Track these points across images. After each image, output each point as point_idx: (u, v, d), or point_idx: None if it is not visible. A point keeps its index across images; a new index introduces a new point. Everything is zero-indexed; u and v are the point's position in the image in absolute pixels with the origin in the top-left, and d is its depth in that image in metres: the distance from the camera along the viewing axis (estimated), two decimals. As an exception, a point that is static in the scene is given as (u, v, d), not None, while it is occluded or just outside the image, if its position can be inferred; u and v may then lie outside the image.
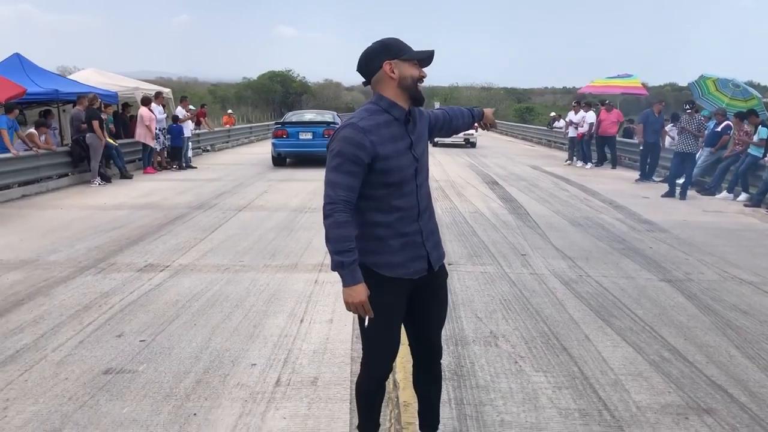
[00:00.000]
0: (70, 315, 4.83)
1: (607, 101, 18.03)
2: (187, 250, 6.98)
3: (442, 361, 2.91)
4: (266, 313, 4.92)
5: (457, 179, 13.89)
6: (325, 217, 2.46)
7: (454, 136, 20.06)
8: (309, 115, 18.02)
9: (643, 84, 21.60)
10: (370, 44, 2.55)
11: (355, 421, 2.93)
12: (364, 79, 2.56)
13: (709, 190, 12.20)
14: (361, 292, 2.43)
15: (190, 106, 17.44)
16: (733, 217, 9.76)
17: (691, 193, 11.83)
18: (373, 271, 2.51)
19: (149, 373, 3.81)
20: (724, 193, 11.83)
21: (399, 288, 2.57)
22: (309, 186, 12.31)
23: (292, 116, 18.10)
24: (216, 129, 24.44)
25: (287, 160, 16.72)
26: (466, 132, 25.24)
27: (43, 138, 12.12)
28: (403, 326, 2.73)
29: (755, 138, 11.47)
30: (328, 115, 17.90)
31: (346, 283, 2.43)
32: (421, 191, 2.58)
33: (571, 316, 4.90)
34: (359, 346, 4.16)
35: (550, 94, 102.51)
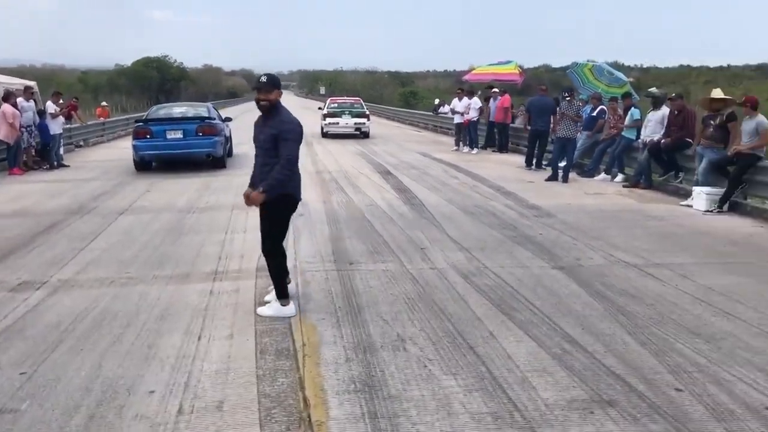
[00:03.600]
0: (-68, 349, 4.31)
1: (494, 87, 18.59)
2: (65, 262, 6.45)
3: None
4: (160, 331, 4.62)
5: (350, 169, 13.81)
6: (290, 167, 4.67)
7: (345, 125, 19.77)
8: (178, 110, 15.24)
9: (521, 69, 22.29)
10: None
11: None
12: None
13: (589, 172, 12.87)
14: None
15: (61, 101, 16.18)
16: (613, 198, 10.34)
17: (572, 175, 12.41)
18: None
19: (34, 411, 3.46)
20: (603, 175, 12.51)
21: None
22: (195, 183, 11.81)
23: (158, 111, 15.37)
24: (89, 122, 22.96)
25: (153, 164, 14.10)
26: (358, 121, 23.39)
27: None
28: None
29: (627, 120, 12.17)
30: (201, 109, 15.15)
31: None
32: None
33: (474, 312, 4.96)
34: (263, 362, 4.04)
35: (432, 78, 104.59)
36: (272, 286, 5.03)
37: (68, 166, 14.96)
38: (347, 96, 32.82)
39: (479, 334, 4.52)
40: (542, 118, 14.00)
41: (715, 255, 6.77)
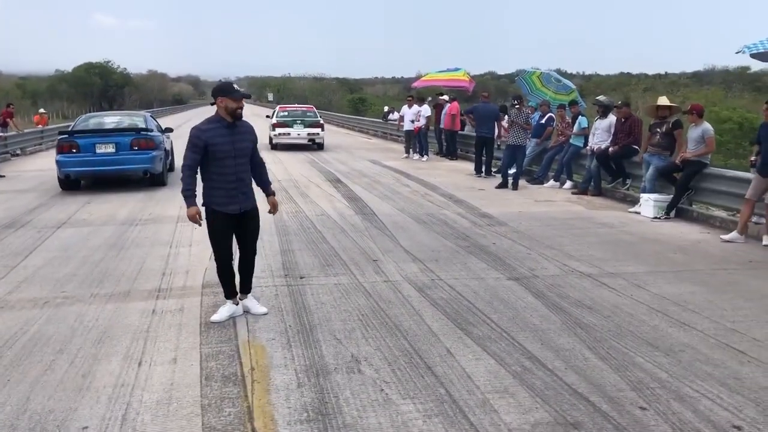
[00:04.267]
0: None
1: (443, 94, 18.60)
2: (-6, 282, 6.03)
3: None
4: (97, 357, 4.29)
5: (300, 178, 13.55)
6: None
7: (297, 136, 18.95)
8: (111, 120, 13.58)
9: (470, 76, 22.41)
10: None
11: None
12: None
13: (538, 179, 12.94)
14: None
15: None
16: (563, 206, 10.37)
17: (521, 182, 12.44)
18: None
19: (-52, 456, 3.12)
20: (552, 182, 12.59)
21: None
22: (137, 194, 11.34)
23: (87, 121, 13.60)
24: (26, 130, 22.04)
25: (82, 182, 12.36)
26: (311, 131, 21.26)
27: None
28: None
29: (575, 128, 12.29)
30: (137, 119, 13.57)
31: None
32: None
33: (429, 327, 4.80)
34: (209, 390, 3.77)
35: (381, 84, 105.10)
36: (227, 301, 5.10)
37: (3, 176, 14.26)
38: (297, 103, 31.56)
39: (436, 352, 4.35)
40: (487, 124, 14.09)
41: (666, 263, 6.79)
